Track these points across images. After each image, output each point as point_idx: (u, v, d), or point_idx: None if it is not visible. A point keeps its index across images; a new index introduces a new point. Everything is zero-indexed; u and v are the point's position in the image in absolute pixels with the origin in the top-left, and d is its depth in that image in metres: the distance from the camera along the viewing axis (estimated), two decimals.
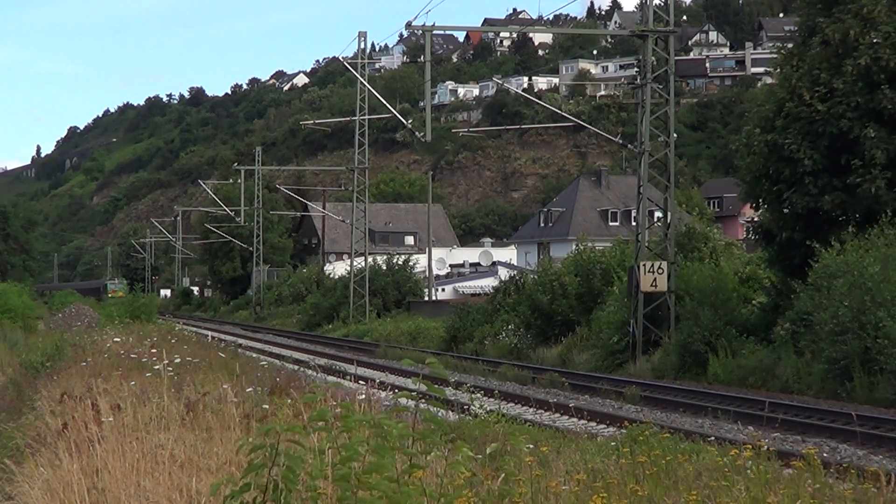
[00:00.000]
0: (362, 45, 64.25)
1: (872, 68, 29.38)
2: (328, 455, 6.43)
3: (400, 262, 69.51)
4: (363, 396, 13.29)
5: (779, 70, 32.93)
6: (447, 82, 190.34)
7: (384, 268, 68.59)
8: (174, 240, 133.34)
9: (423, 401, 6.54)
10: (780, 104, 31.03)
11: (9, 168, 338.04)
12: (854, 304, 25.77)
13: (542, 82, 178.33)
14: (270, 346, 51.07)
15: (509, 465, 7.61)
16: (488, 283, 64.26)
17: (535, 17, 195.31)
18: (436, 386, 6.65)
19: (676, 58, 38.94)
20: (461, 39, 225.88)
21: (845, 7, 30.38)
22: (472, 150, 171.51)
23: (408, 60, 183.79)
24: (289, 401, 12.16)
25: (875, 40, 29.68)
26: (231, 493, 6.15)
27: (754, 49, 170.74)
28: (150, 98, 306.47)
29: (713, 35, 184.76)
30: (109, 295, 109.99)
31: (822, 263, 27.90)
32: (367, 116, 65.10)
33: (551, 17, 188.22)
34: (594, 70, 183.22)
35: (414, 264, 70.84)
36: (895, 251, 26.65)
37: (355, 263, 67.07)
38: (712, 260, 38.40)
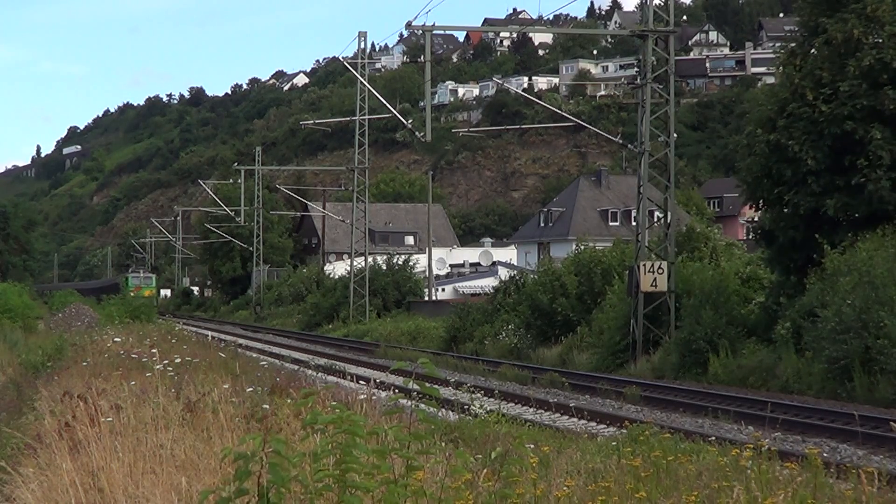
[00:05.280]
0: (362, 45, 64.28)
1: (876, 68, 29.34)
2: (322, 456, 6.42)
3: (400, 262, 69.51)
4: (363, 396, 13.27)
5: (781, 69, 32.90)
6: (447, 82, 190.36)
7: (384, 268, 68.59)
8: (174, 240, 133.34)
9: (420, 401, 6.52)
10: (783, 104, 30.97)
11: (9, 167, 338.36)
12: (858, 303, 25.78)
13: (542, 82, 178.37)
14: (270, 346, 51.05)
15: (514, 468, 7.59)
16: (488, 283, 64.24)
17: (535, 17, 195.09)
18: (430, 385, 6.63)
19: (676, 58, 38.93)
20: (461, 39, 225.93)
21: (849, 7, 30.33)
22: (472, 150, 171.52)
23: (408, 60, 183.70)
24: (289, 401, 12.14)
25: (878, 40, 29.65)
26: (216, 503, 6.16)
27: (754, 49, 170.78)
28: (150, 98, 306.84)
29: (713, 35, 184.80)
30: (132, 293, 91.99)
31: (836, 261, 27.88)
32: (367, 116, 65.08)
33: (551, 17, 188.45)
34: (594, 70, 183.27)
35: (414, 264, 70.84)
36: None
37: (355, 263, 67.07)
38: (713, 260, 38.41)
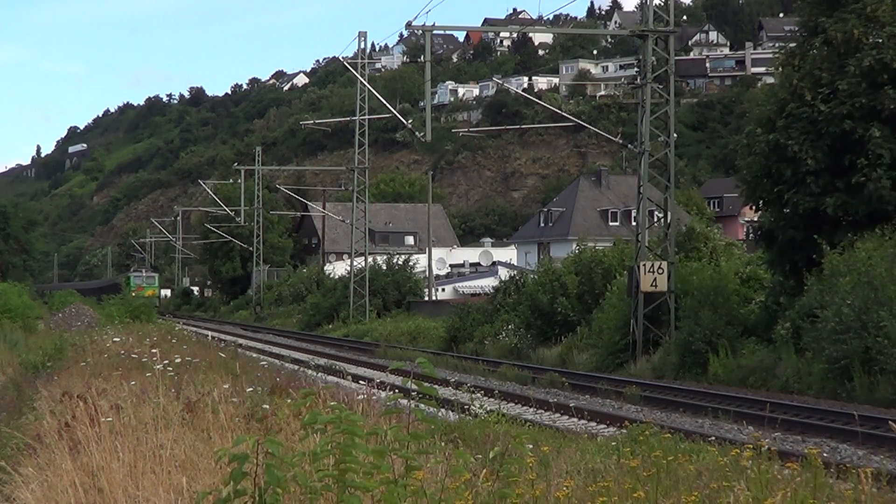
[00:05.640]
0: (362, 45, 64.29)
1: (875, 68, 29.35)
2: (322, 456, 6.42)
3: (400, 262, 69.50)
4: (363, 397, 13.28)
5: (780, 70, 32.91)
6: (447, 82, 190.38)
7: (384, 268, 68.58)
8: (174, 240, 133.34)
9: (419, 401, 6.51)
10: (782, 104, 30.98)
11: (9, 167, 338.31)
12: (857, 303, 25.78)
13: (542, 82, 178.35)
14: (270, 346, 51.05)
15: (512, 467, 7.59)
16: (488, 283, 64.25)
17: (535, 17, 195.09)
18: (429, 385, 6.63)
19: (676, 58, 38.93)
20: (461, 39, 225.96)
21: (848, 7, 30.34)
22: (472, 150, 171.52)
23: (408, 60, 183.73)
24: (289, 401, 12.15)
25: (878, 40, 29.67)
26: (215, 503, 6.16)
27: (754, 49, 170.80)
28: (150, 98, 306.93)
29: (713, 35, 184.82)
30: (133, 293, 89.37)
31: (833, 261, 27.89)
32: (367, 116, 65.09)
33: (551, 17, 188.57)
34: (594, 70, 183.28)
35: (414, 264, 70.82)
36: None
37: (355, 263, 67.06)
38: (712, 260, 38.40)
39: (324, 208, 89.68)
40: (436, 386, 26.70)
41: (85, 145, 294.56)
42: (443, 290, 78.61)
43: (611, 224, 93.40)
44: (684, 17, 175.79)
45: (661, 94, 36.54)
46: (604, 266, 40.94)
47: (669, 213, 36.30)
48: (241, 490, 6.12)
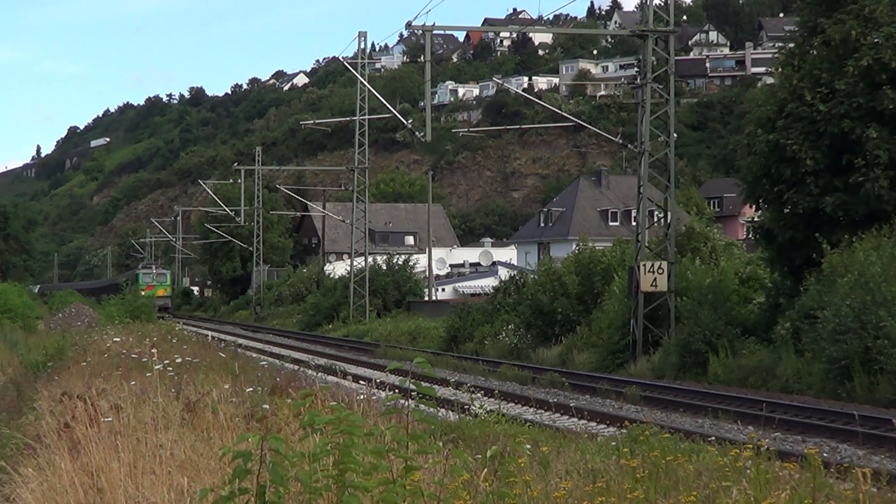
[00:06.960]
0: (362, 45, 64.28)
1: (874, 69, 29.38)
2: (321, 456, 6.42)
3: (400, 262, 69.51)
4: (363, 397, 13.29)
5: (780, 70, 32.94)
6: (447, 82, 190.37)
7: (384, 268, 68.59)
8: (174, 240, 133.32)
9: (419, 402, 6.51)
10: (782, 104, 31.01)
11: (9, 167, 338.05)
12: (857, 303, 25.78)
13: (542, 82, 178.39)
14: (270, 346, 51.04)
15: (511, 467, 7.60)
16: (488, 283, 64.23)
17: (535, 17, 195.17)
18: (428, 385, 6.64)
19: (676, 58, 38.93)
20: (461, 39, 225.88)
21: (846, 7, 30.38)
22: (472, 150, 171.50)
23: (408, 60, 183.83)
24: (288, 401, 12.15)
25: (876, 41, 29.70)
26: (215, 502, 6.16)
27: (754, 49, 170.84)
28: (150, 98, 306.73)
29: (713, 35, 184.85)
30: (143, 292, 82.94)
31: (832, 261, 27.91)
32: (367, 116, 65.09)
33: (551, 17, 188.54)
34: (594, 70, 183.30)
35: (414, 264, 70.82)
36: None
37: (355, 263, 67.06)
38: (712, 260, 38.39)
39: (324, 208, 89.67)
40: (435, 386, 26.73)
41: (108, 139, 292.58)
42: (443, 290, 78.61)
43: (611, 224, 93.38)
44: (684, 17, 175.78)
45: (661, 94, 36.54)
46: (604, 266, 40.93)
47: (669, 213, 36.31)
48: (242, 488, 6.12)
